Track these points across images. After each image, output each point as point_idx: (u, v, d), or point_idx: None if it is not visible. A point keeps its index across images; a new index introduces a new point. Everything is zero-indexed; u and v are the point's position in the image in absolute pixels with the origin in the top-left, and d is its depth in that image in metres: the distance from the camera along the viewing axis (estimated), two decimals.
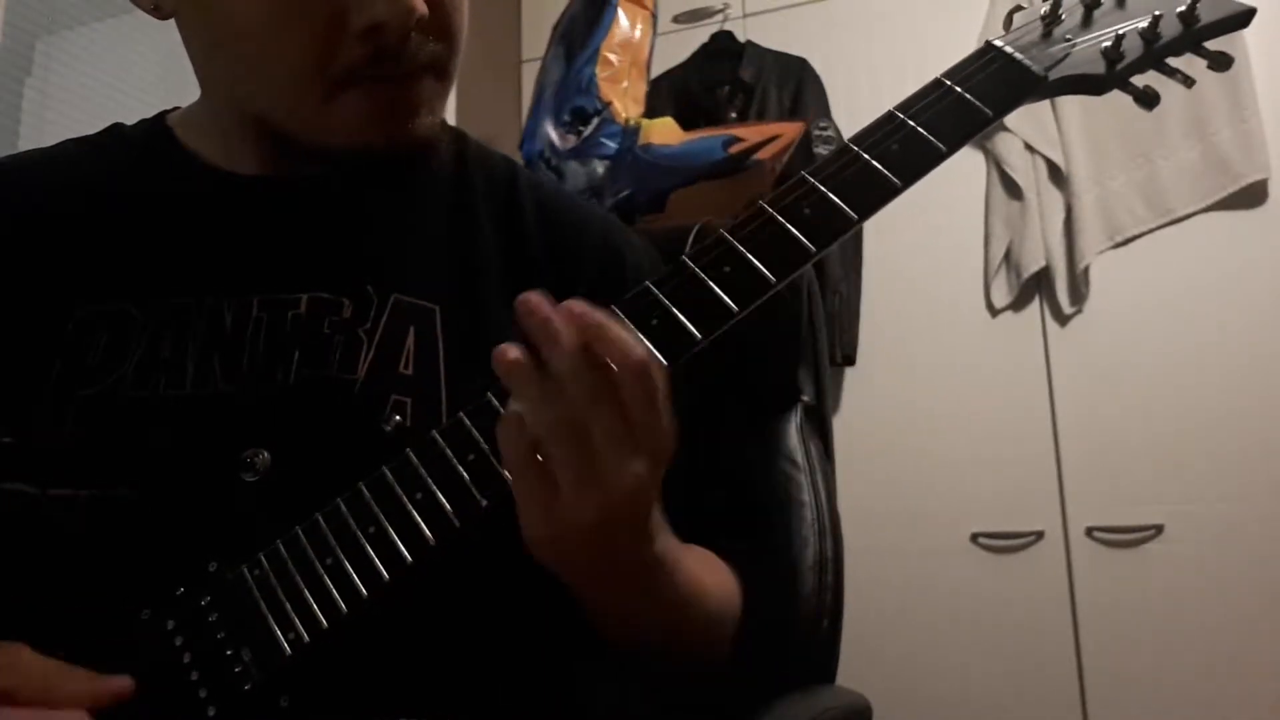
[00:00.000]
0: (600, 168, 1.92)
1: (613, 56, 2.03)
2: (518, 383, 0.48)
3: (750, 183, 1.86)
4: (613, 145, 1.95)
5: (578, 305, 0.48)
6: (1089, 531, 1.88)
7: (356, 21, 0.58)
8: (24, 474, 0.57)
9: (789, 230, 0.53)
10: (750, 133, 1.91)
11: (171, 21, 0.68)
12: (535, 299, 0.48)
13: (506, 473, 0.51)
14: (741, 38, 2.26)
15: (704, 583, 0.62)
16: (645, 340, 0.52)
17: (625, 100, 2.01)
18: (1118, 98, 0.61)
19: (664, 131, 1.96)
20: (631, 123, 1.96)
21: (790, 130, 1.90)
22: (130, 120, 0.76)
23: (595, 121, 1.97)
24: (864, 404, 2.06)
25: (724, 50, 2.27)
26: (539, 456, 0.48)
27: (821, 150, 2.01)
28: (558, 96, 2.03)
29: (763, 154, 1.86)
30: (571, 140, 1.97)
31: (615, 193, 1.88)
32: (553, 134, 2.00)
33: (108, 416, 0.59)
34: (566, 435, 0.47)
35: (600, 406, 0.47)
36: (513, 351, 0.48)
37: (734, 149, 1.86)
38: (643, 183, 1.87)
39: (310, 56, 0.59)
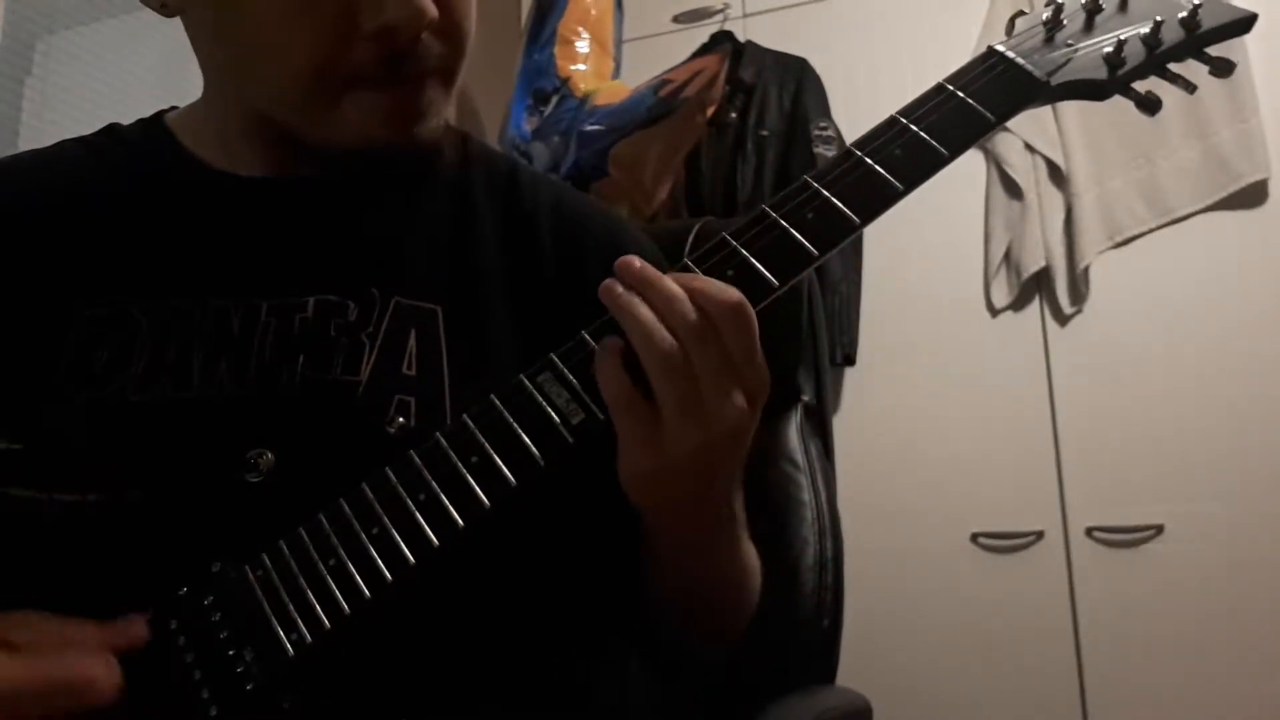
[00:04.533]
0: (558, 141, 1.94)
1: (572, 35, 2.05)
2: (631, 319, 0.51)
3: (684, 121, 1.87)
4: (568, 119, 1.96)
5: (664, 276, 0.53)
6: (1089, 531, 1.88)
7: (368, 22, 0.58)
8: (29, 479, 0.57)
9: (792, 234, 0.54)
10: (678, 73, 1.93)
11: (172, 22, 0.68)
12: (633, 262, 0.52)
13: (516, 472, 0.52)
14: (741, 38, 2.26)
15: (754, 555, 0.66)
16: None
17: (587, 75, 2.02)
18: (1118, 99, 0.61)
19: (611, 93, 1.98)
20: (586, 93, 1.98)
21: (712, 63, 1.93)
22: (129, 121, 0.75)
23: (555, 99, 1.98)
24: (864, 404, 2.06)
25: None
26: (640, 391, 0.51)
27: (822, 150, 2.01)
28: (523, 83, 2.05)
29: (690, 90, 1.87)
30: (535, 122, 1.99)
31: (567, 164, 1.90)
32: (523, 121, 2.02)
33: (113, 420, 0.59)
34: (675, 368, 0.50)
35: (705, 343, 0.50)
36: (620, 288, 0.52)
37: (664, 92, 1.87)
38: (586, 145, 1.88)
39: (320, 55, 0.59)
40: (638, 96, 1.91)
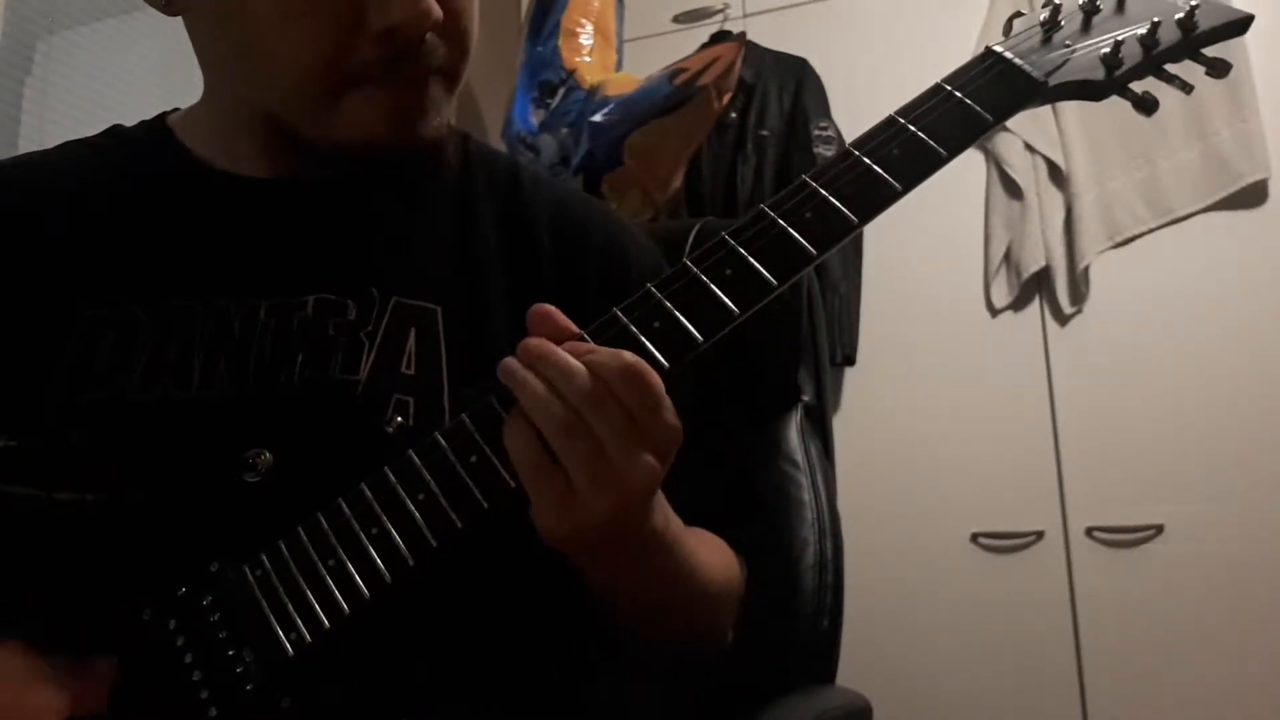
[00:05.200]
0: (567, 133, 1.93)
1: (576, 27, 2.05)
2: (523, 391, 0.51)
3: (700, 109, 1.87)
4: (576, 110, 1.95)
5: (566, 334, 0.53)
6: (1089, 531, 1.88)
7: (373, 23, 0.58)
8: (29, 478, 0.58)
9: (790, 234, 0.54)
10: (692, 62, 1.93)
11: (172, 21, 0.68)
12: (530, 341, 0.52)
13: (516, 474, 0.52)
14: None
15: (704, 557, 0.64)
16: (648, 343, 0.52)
17: (592, 67, 2.02)
18: (1115, 100, 0.61)
19: (621, 83, 1.97)
20: (594, 84, 1.97)
21: (728, 51, 1.92)
22: (130, 121, 0.76)
23: (562, 91, 1.98)
24: (864, 404, 2.06)
25: None
26: (550, 457, 0.51)
27: (822, 150, 2.01)
28: (527, 76, 2.05)
29: (706, 78, 1.87)
30: (541, 114, 1.99)
31: (578, 155, 1.89)
32: (529, 114, 2.01)
33: (114, 420, 0.59)
34: (576, 434, 0.50)
35: (603, 407, 0.50)
36: (515, 365, 0.52)
37: (679, 80, 1.87)
38: (600, 136, 1.88)
39: (323, 53, 0.59)
40: (652, 85, 1.90)
